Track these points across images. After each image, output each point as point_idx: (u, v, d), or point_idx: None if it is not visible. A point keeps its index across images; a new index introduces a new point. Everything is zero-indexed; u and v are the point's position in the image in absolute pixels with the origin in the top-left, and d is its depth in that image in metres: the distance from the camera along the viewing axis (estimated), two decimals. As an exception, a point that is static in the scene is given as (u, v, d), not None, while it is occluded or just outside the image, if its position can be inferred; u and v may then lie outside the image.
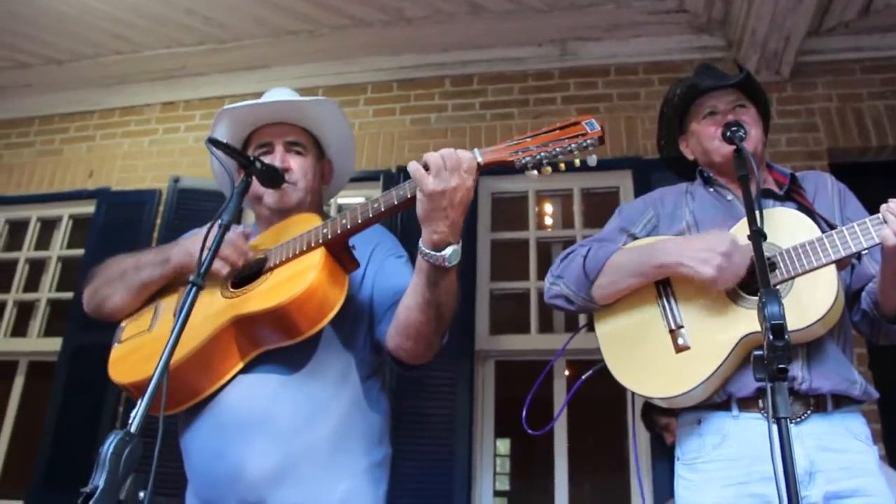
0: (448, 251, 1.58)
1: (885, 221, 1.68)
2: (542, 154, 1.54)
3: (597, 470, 5.73)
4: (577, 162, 1.55)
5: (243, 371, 1.74)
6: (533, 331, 3.98)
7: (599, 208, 4.15)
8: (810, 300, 1.73)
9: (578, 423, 3.93)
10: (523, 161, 1.54)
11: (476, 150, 1.59)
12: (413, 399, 3.67)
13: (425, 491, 3.54)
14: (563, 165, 1.55)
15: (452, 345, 3.66)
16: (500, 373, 3.99)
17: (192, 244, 1.83)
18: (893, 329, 1.85)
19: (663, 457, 3.39)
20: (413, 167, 1.58)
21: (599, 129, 1.54)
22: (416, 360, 1.82)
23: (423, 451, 3.60)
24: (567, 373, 4.06)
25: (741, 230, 1.84)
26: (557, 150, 1.53)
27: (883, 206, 1.71)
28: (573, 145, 1.53)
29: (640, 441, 3.59)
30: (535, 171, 1.56)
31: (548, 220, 4.63)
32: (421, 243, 1.60)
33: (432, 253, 1.58)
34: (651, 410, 3.38)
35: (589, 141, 1.53)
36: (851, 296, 1.96)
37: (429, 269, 1.61)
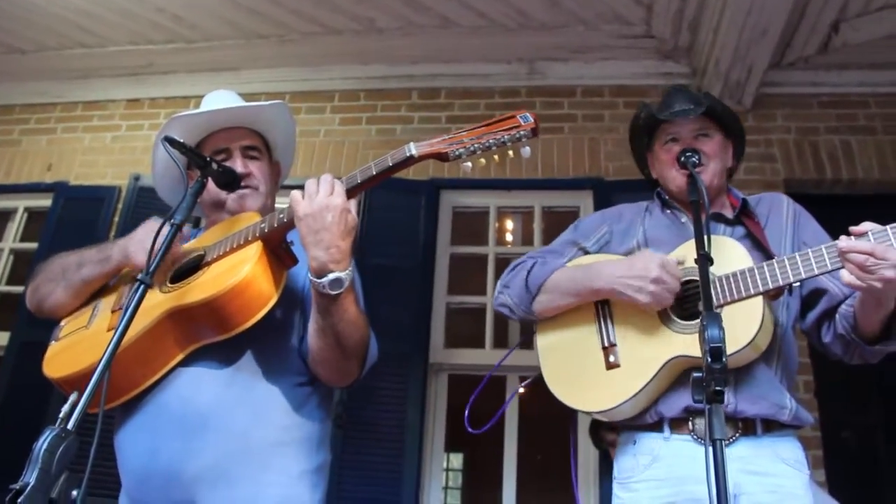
0: (326, 279, 1.57)
1: (844, 260, 1.65)
2: (476, 146, 1.58)
3: (545, 486, 5.74)
4: (512, 153, 1.59)
5: (180, 368, 1.72)
6: (487, 346, 3.98)
7: (559, 226, 4.11)
8: (737, 326, 1.76)
9: (529, 439, 3.94)
10: (457, 153, 1.58)
11: (411, 143, 1.61)
12: (363, 408, 3.66)
13: (372, 501, 3.52)
14: (496, 157, 1.59)
15: (406, 356, 3.75)
16: (453, 386, 3.99)
17: (133, 244, 1.83)
18: (873, 350, 1.83)
19: (610, 474, 3.41)
20: (293, 192, 1.62)
21: (533, 121, 1.59)
22: (334, 384, 1.82)
23: (372, 461, 3.58)
24: (521, 390, 4.06)
25: (686, 250, 1.90)
26: (491, 140, 1.58)
27: (842, 245, 1.66)
28: (507, 136, 1.57)
29: (588, 458, 3.62)
30: (469, 164, 1.60)
31: (508, 237, 4.65)
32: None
33: (314, 279, 1.59)
34: (599, 427, 3.40)
35: (522, 132, 1.57)
36: (816, 316, 1.96)
37: (316, 295, 1.62)
